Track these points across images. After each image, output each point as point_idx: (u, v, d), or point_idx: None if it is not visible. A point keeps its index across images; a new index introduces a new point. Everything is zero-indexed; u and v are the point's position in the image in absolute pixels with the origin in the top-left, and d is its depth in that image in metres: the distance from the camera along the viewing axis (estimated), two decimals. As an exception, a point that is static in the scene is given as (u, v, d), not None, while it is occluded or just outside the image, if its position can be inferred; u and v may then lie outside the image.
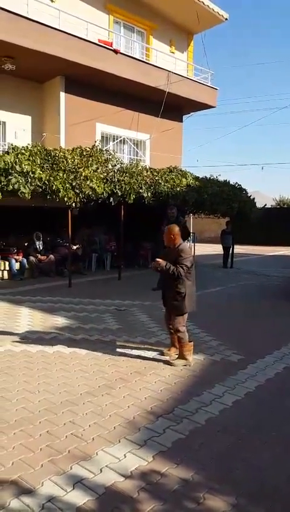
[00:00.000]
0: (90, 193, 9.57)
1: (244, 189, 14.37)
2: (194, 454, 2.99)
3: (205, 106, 16.38)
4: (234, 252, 14.79)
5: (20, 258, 10.87)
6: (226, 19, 16.26)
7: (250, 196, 14.60)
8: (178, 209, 10.01)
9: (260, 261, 17.26)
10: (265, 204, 19.63)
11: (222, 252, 14.76)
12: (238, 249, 17.37)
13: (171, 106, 14.77)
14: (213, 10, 15.57)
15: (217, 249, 16.95)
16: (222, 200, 12.99)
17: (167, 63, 14.85)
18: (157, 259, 4.81)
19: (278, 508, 2.49)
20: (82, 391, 4.04)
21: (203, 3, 15.06)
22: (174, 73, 14.53)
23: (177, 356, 4.98)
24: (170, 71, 14.30)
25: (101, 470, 2.77)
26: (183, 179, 12.08)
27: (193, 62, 17.19)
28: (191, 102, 15.55)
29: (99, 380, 4.33)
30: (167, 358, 5.02)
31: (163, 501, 2.49)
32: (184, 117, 17.06)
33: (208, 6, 15.26)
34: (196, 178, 12.88)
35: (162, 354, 5.18)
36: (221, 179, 14.01)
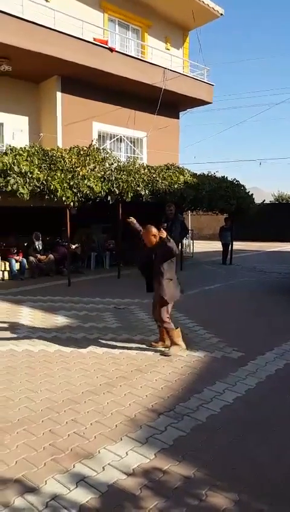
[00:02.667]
0: (88, 192, 9.58)
1: (243, 186, 14.37)
2: (196, 452, 3.02)
3: (202, 102, 16.39)
4: (233, 248, 14.81)
5: (20, 258, 10.88)
6: (221, 14, 16.25)
7: (248, 192, 14.60)
8: (176, 206, 10.01)
9: (259, 257, 17.28)
10: (263, 200, 19.62)
11: (221, 249, 14.77)
12: (237, 245, 17.39)
13: (167, 103, 14.77)
14: (208, 6, 15.56)
15: (216, 245, 16.98)
16: (220, 196, 13.00)
17: (162, 60, 14.85)
18: (162, 231, 4.96)
19: (280, 504, 2.52)
20: (83, 389, 4.07)
21: (198, -1, 15.03)
22: (170, 70, 14.53)
23: (169, 346, 5.18)
24: (165, 68, 14.30)
25: (103, 468, 2.80)
26: (181, 176, 12.09)
27: (189, 58, 17.19)
28: (187, 98, 15.55)
29: (100, 378, 4.36)
30: (161, 349, 5.23)
31: (165, 498, 2.51)
32: (181, 114, 17.06)
33: (203, 1, 15.24)
34: (194, 175, 12.88)
35: (150, 345, 5.36)
36: (219, 175, 14.02)
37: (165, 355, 5.02)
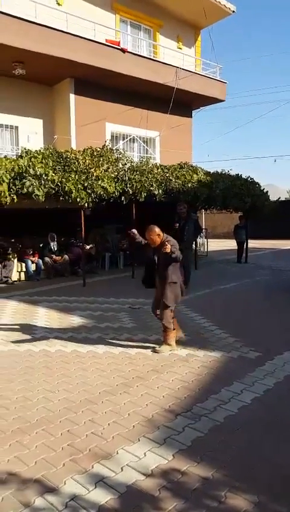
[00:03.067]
0: (102, 193, 9.63)
1: (257, 183, 14.23)
2: (214, 453, 3.01)
3: (214, 100, 16.31)
4: (249, 246, 14.70)
5: (35, 259, 10.99)
6: (233, 11, 16.12)
7: (263, 190, 14.45)
8: (189, 205, 9.98)
9: (274, 255, 17.13)
10: (279, 198, 19.43)
11: (236, 247, 14.68)
12: (253, 243, 17.27)
13: (180, 102, 14.73)
14: (220, 3, 15.45)
15: (231, 244, 16.87)
16: (234, 194, 12.91)
17: (174, 59, 14.81)
18: (166, 246, 4.95)
19: (299, 504, 2.50)
20: (100, 390, 4.09)
21: (210, -4, 14.93)
22: (183, 69, 14.48)
23: (163, 344, 5.32)
24: (178, 67, 14.26)
25: (122, 469, 2.81)
26: (195, 175, 12.05)
27: (201, 57, 17.11)
28: (200, 97, 15.49)
29: (117, 378, 4.38)
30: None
31: (184, 500, 2.51)
32: (193, 112, 17.00)
33: (214, -1, 15.14)
34: (207, 173, 12.83)
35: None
36: (232, 173, 13.93)
37: (155, 352, 5.20)
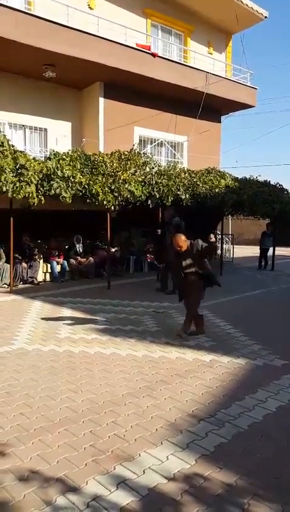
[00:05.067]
0: (128, 196, 9.66)
1: (286, 190, 14.05)
2: (238, 459, 2.96)
3: (244, 106, 16.18)
4: (275, 253, 14.50)
5: (61, 260, 11.10)
6: (265, 17, 16.00)
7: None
8: (176, 210, 10.12)
9: (301, 263, 16.81)
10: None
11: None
12: (280, 250, 17.01)
13: (209, 107, 14.68)
14: (252, 9, 15.36)
15: (257, 251, 16.65)
16: (262, 201, 12.76)
17: (205, 64, 14.77)
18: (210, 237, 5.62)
19: None
20: (123, 392, 4.08)
21: (242, 2, 14.87)
22: (213, 74, 14.43)
23: (195, 331, 6.09)
24: (208, 72, 14.21)
25: (144, 471, 2.78)
26: (222, 180, 11.97)
27: (232, 62, 17.03)
28: (229, 102, 15.39)
29: (140, 381, 4.36)
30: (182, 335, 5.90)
31: (207, 505, 2.47)
32: (223, 117, 16.91)
33: (246, 5, 15.06)
34: (235, 179, 12.73)
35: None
36: (261, 179, 13.78)
37: (193, 334, 6.02)
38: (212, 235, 5.66)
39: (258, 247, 14.78)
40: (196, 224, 10.64)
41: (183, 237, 5.81)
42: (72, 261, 11.19)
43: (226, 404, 3.82)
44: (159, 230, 9.84)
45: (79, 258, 11.33)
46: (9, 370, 4.64)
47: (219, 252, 14.39)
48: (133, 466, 2.85)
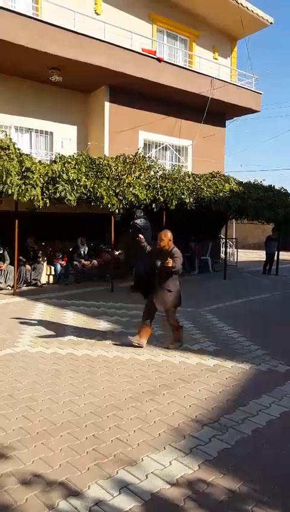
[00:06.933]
0: (133, 199, 9.68)
1: (290, 194, 14.06)
2: (241, 465, 2.93)
3: (249, 111, 16.19)
4: (280, 258, 14.47)
5: (64, 263, 11.11)
6: (271, 23, 16.03)
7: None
8: (144, 212, 10.09)
9: (305, 268, 16.75)
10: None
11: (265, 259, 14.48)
12: (284, 255, 16.98)
13: (214, 112, 14.70)
14: (257, 15, 15.39)
15: (261, 255, 16.63)
16: (267, 205, 12.75)
17: (210, 69, 14.80)
18: (168, 261, 5.28)
19: None
20: (126, 396, 4.06)
21: (247, 9, 14.92)
22: (218, 79, 14.45)
23: (172, 340, 5.76)
24: (213, 77, 14.24)
25: (146, 476, 2.77)
26: (227, 184, 11.97)
27: (237, 67, 17.06)
28: (234, 107, 15.41)
29: (143, 385, 4.34)
30: (166, 345, 5.71)
31: (210, 511, 2.45)
32: (227, 122, 16.92)
33: (252, 11, 15.10)
34: (240, 183, 12.73)
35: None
36: (265, 183, 13.78)
37: (167, 348, 5.63)
38: (173, 256, 5.35)
39: (264, 252, 14.74)
40: (200, 227, 10.65)
41: (170, 234, 5.56)
42: (76, 263, 11.20)
43: (229, 410, 3.80)
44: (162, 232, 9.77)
45: (83, 261, 11.33)
46: (13, 372, 4.64)
47: (222, 256, 14.40)
48: (136, 471, 2.83)
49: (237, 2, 14.48)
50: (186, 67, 14.29)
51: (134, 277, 10.37)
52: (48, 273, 11.05)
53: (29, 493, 2.58)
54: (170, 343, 5.73)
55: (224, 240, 13.96)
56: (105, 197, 9.16)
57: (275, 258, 14.28)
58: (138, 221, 9.87)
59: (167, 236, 5.53)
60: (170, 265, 5.24)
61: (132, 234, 9.98)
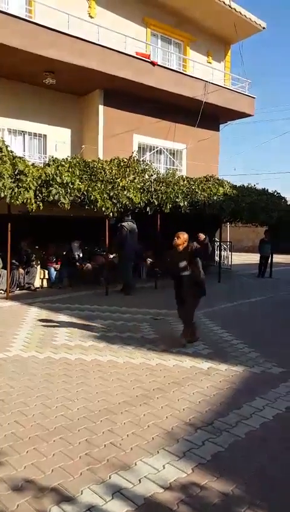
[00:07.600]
0: (127, 203, 9.67)
1: (283, 198, 14.13)
2: (235, 468, 2.92)
3: (243, 115, 16.29)
4: (273, 261, 14.52)
5: (58, 266, 11.07)
6: (263, 28, 16.16)
7: (290, 204, 14.31)
8: (128, 215, 10.15)
9: (299, 271, 16.81)
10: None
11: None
12: (278, 258, 17.03)
13: (208, 115, 14.76)
14: (250, 20, 15.53)
15: (255, 258, 16.67)
16: (260, 208, 12.81)
17: (204, 73, 14.88)
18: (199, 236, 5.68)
19: None
20: (120, 400, 4.04)
21: (241, 13, 15.05)
22: (211, 83, 14.54)
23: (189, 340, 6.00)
24: (207, 81, 14.31)
25: (140, 481, 2.74)
26: (220, 188, 12.00)
27: (230, 71, 17.16)
28: (228, 111, 15.50)
29: (137, 389, 4.32)
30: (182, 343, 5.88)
31: (203, 515, 2.43)
32: (221, 126, 17.00)
33: (245, 16, 15.24)
34: (233, 187, 12.77)
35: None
36: (259, 187, 13.85)
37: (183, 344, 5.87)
38: (201, 234, 5.67)
39: (258, 255, 14.78)
40: (194, 231, 10.62)
41: (186, 236, 5.87)
42: (70, 267, 11.16)
43: (223, 413, 3.78)
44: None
45: (77, 264, 11.30)
46: (5, 377, 4.60)
47: (217, 259, 14.40)
48: (129, 475, 2.81)
49: (230, 7, 14.59)
50: (180, 71, 14.35)
51: (123, 280, 10.37)
52: (42, 277, 11.01)
53: (21, 499, 2.55)
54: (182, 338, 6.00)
55: (218, 243, 13.97)
56: (99, 200, 9.15)
57: (269, 260, 14.34)
58: (125, 223, 9.92)
59: (184, 236, 5.83)
60: (202, 238, 5.60)
61: (118, 236, 10.04)
